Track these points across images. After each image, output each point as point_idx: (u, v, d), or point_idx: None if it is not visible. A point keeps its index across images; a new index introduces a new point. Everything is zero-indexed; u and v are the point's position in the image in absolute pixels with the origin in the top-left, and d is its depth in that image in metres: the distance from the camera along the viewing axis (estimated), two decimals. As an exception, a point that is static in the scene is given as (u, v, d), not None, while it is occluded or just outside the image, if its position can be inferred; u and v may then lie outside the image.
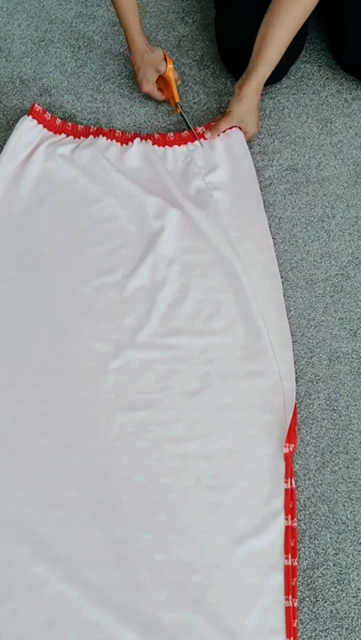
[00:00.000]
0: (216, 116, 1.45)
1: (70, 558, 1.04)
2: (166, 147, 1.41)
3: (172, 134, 1.43)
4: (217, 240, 1.30)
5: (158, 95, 1.45)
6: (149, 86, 1.42)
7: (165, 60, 1.39)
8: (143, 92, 1.44)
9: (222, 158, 1.39)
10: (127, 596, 1.02)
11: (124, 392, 1.17)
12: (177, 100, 1.42)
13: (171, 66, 1.40)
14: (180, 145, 1.42)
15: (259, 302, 1.25)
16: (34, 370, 1.18)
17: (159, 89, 1.44)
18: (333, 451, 1.17)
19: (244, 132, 1.38)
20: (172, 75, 1.40)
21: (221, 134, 1.41)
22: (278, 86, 1.51)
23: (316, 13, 1.35)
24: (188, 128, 1.40)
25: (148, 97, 1.50)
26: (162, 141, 1.42)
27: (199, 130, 1.41)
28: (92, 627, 1.00)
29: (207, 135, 1.38)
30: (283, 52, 1.33)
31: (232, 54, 1.47)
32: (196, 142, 1.40)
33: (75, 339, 1.21)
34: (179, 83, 1.44)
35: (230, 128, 1.42)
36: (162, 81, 1.43)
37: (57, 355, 1.20)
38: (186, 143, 1.42)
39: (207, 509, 1.09)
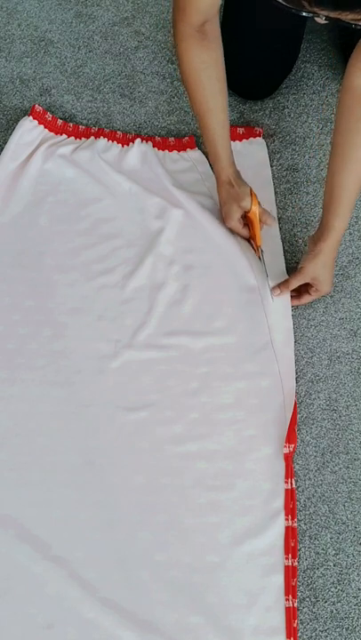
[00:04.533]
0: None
1: (70, 558, 1.04)
2: (166, 150, 1.41)
3: (172, 139, 1.43)
4: (219, 240, 1.30)
5: (244, 232, 1.30)
6: (233, 223, 1.28)
7: (251, 198, 1.25)
8: (227, 227, 1.30)
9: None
10: (127, 595, 1.02)
11: (124, 392, 1.17)
12: (258, 243, 1.27)
13: (256, 207, 1.25)
14: (179, 151, 1.42)
15: (264, 302, 1.25)
16: (33, 370, 1.18)
17: (245, 225, 1.29)
18: (333, 451, 1.17)
19: (316, 291, 1.24)
20: (255, 216, 1.26)
21: (245, 141, 1.42)
22: (282, 85, 1.51)
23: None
24: (265, 276, 1.27)
25: (147, 97, 1.50)
26: (163, 145, 1.42)
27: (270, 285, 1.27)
28: (92, 627, 1.00)
29: (275, 292, 1.24)
30: (355, 199, 1.19)
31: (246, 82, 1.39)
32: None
33: (75, 339, 1.21)
34: (272, 224, 1.29)
35: (254, 137, 1.43)
36: (247, 218, 1.28)
37: (57, 355, 1.20)
38: (185, 149, 1.42)
39: (207, 509, 1.09)
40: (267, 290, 1.25)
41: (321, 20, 0.84)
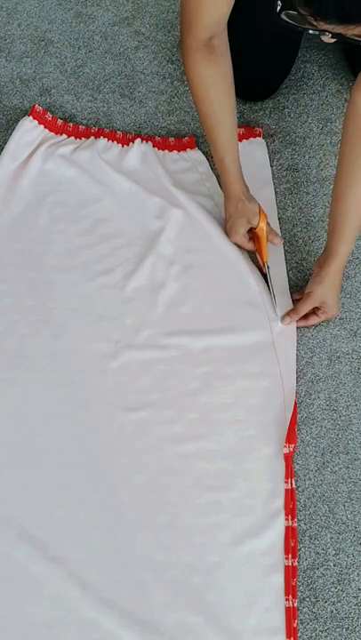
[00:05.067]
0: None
1: (70, 558, 1.04)
2: (166, 150, 1.41)
3: (172, 139, 1.43)
4: (219, 240, 1.30)
5: (249, 246, 1.29)
6: (238, 237, 1.28)
7: (260, 214, 1.25)
8: (231, 241, 1.30)
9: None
10: (127, 595, 1.02)
11: (124, 392, 1.17)
12: (265, 259, 1.27)
13: (263, 224, 1.25)
14: (179, 151, 1.42)
15: (265, 302, 1.25)
16: (34, 370, 1.18)
17: (251, 238, 1.29)
18: (333, 451, 1.17)
19: (324, 313, 1.24)
20: (263, 232, 1.26)
21: (245, 141, 1.41)
22: (282, 86, 1.51)
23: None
24: (270, 292, 1.27)
25: (147, 97, 1.50)
26: (163, 145, 1.42)
27: (277, 299, 1.26)
28: (92, 627, 1.00)
29: (285, 321, 1.24)
30: (359, 226, 1.19)
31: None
32: None
33: (75, 339, 1.21)
34: (278, 243, 1.30)
35: (254, 137, 1.43)
36: (254, 234, 1.28)
37: (57, 355, 1.20)
38: (185, 149, 1.42)
39: (207, 509, 1.09)
40: (273, 306, 1.25)
41: (327, 39, 0.83)
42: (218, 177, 1.31)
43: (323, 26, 0.81)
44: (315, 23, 0.80)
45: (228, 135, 1.21)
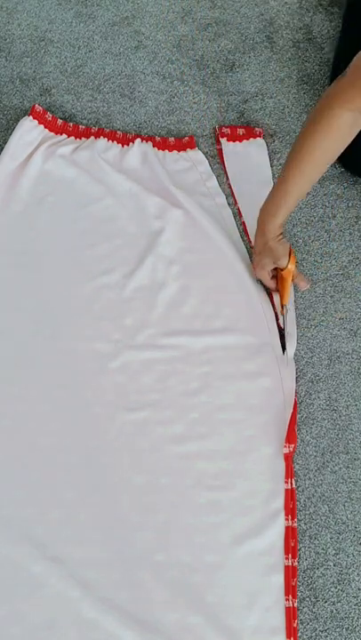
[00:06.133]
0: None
1: (70, 558, 1.04)
2: (166, 150, 1.41)
3: (172, 139, 1.43)
4: (219, 240, 1.30)
5: (271, 284, 1.26)
6: (262, 274, 1.25)
7: (290, 256, 1.21)
8: (255, 276, 1.27)
9: (235, 166, 1.38)
10: (127, 595, 1.02)
11: (124, 392, 1.17)
12: (285, 302, 1.25)
13: (292, 266, 1.21)
14: (179, 151, 1.42)
15: (263, 303, 1.25)
16: (34, 370, 1.18)
17: (274, 276, 1.26)
18: (333, 451, 1.17)
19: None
20: (289, 274, 1.22)
21: (245, 141, 1.41)
22: (279, 86, 1.51)
23: None
24: (281, 332, 1.24)
25: (147, 97, 1.50)
26: (163, 145, 1.42)
27: (290, 352, 1.23)
28: (92, 627, 1.00)
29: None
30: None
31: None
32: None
33: (75, 339, 1.21)
34: (304, 287, 1.27)
35: (255, 137, 1.43)
36: (279, 274, 1.24)
37: (57, 355, 1.20)
38: (185, 149, 1.42)
39: (207, 509, 1.09)
40: (284, 349, 1.22)
41: None
42: (246, 246, 1.31)
43: None
44: None
45: (303, 189, 1.17)
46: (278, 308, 1.25)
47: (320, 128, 1.10)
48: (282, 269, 1.22)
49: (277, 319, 1.25)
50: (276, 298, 1.26)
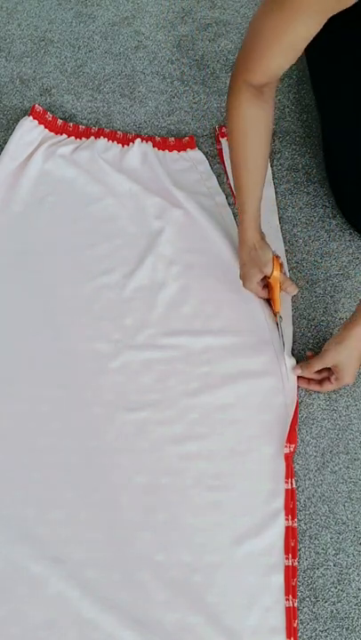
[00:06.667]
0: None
1: (70, 558, 1.04)
2: (166, 150, 1.41)
3: (172, 139, 1.43)
4: (219, 240, 1.30)
5: (263, 294, 1.25)
6: (251, 285, 1.24)
7: (273, 263, 1.20)
8: (244, 288, 1.25)
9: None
10: (127, 595, 1.02)
11: (124, 392, 1.17)
12: (277, 309, 1.23)
13: (277, 272, 1.20)
14: (179, 151, 1.42)
15: (263, 302, 1.25)
16: (34, 370, 1.18)
17: (265, 286, 1.24)
18: (333, 451, 1.17)
19: (337, 379, 1.16)
20: (276, 282, 1.21)
21: None
22: (279, 85, 1.51)
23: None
24: (281, 342, 1.22)
25: (147, 97, 1.50)
26: (163, 145, 1.42)
27: (288, 362, 1.21)
28: (92, 627, 1.00)
29: (297, 371, 1.19)
30: None
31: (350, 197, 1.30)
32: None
33: (75, 339, 1.21)
34: (293, 292, 1.25)
35: None
36: (268, 283, 1.24)
37: (57, 355, 1.20)
38: (185, 149, 1.42)
39: (207, 509, 1.09)
40: (282, 358, 1.21)
41: None
42: (236, 220, 1.27)
43: None
44: None
45: (256, 180, 1.17)
46: (272, 316, 1.24)
47: (233, 110, 1.11)
48: (269, 277, 1.21)
49: (278, 330, 1.23)
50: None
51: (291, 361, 1.20)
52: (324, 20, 0.98)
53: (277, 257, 1.21)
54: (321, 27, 0.99)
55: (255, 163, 1.15)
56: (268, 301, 1.26)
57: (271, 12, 0.99)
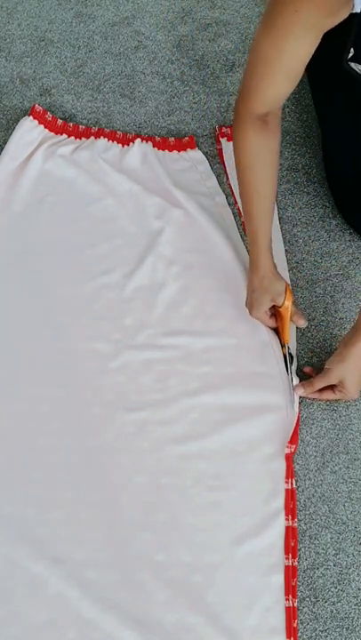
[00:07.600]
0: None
1: (70, 558, 1.04)
2: (166, 150, 1.41)
3: (172, 139, 1.43)
4: (219, 240, 1.30)
5: (270, 323, 1.23)
6: (259, 314, 1.21)
7: (286, 293, 1.19)
8: (251, 316, 1.23)
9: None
10: (127, 595, 1.02)
11: (124, 392, 1.17)
12: (286, 340, 1.21)
13: (289, 303, 1.19)
14: (179, 151, 1.42)
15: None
16: (34, 370, 1.18)
17: (273, 315, 1.23)
18: (333, 451, 1.17)
19: (340, 392, 1.17)
20: (287, 312, 1.20)
21: None
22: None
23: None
24: (287, 371, 1.20)
25: (147, 97, 1.50)
26: (163, 145, 1.42)
27: (295, 382, 1.19)
28: (92, 627, 1.00)
29: (299, 391, 1.18)
30: None
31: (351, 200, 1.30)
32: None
33: (75, 339, 1.21)
34: (302, 325, 1.24)
35: None
36: (277, 312, 1.22)
37: (57, 355, 1.20)
38: (185, 149, 1.42)
39: (207, 509, 1.09)
40: (290, 389, 1.19)
41: None
42: (247, 248, 1.26)
43: None
44: None
45: (266, 207, 1.17)
46: (279, 347, 1.22)
47: (238, 142, 1.12)
48: (279, 307, 1.20)
49: (285, 361, 1.21)
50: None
51: (294, 380, 1.19)
52: (319, 37, 0.98)
53: (289, 286, 1.21)
54: (316, 45, 0.99)
55: (265, 192, 1.15)
56: (275, 330, 1.24)
57: (265, 33, 1.00)
